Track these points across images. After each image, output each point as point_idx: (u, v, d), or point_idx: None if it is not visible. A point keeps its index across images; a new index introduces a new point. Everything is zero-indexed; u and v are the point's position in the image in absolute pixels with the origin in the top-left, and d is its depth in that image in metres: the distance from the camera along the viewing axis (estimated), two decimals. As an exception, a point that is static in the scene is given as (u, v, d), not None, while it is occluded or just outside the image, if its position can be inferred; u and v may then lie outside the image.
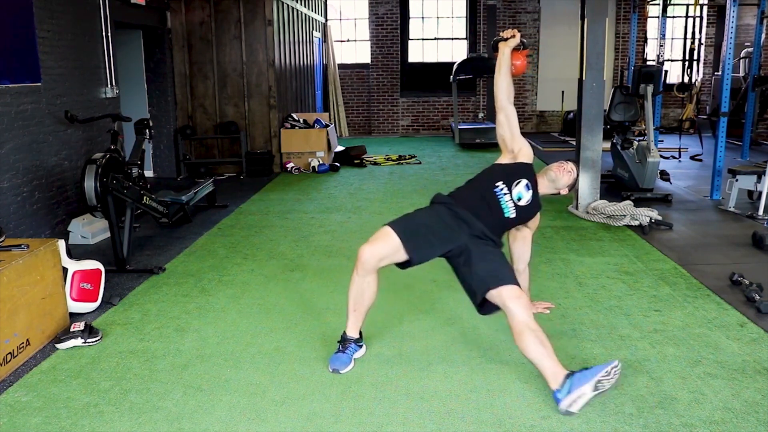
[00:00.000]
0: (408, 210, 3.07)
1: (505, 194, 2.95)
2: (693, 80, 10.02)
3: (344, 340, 2.90)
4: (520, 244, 3.20)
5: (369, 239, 2.81)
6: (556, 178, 3.05)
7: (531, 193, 3.00)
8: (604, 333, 3.18)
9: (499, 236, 2.98)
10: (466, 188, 3.08)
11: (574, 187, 3.15)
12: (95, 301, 3.54)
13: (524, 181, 2.99)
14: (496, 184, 2.97)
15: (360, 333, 2.95)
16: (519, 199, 2.97)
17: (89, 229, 4.97)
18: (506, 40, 3.14)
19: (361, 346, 2.96)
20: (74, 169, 5.19)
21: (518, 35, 3.14)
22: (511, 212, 2.95)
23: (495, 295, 2.69)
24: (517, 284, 2.74)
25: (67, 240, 4.70)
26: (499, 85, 3.09)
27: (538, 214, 3.16)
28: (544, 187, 3.08)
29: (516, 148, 3.06)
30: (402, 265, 2.86)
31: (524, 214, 3.00)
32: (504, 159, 3.11)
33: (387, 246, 2.77)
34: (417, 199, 6.16)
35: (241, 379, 2.76)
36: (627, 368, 2.79)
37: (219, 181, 7.34)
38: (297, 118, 8.82)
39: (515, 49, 3.17)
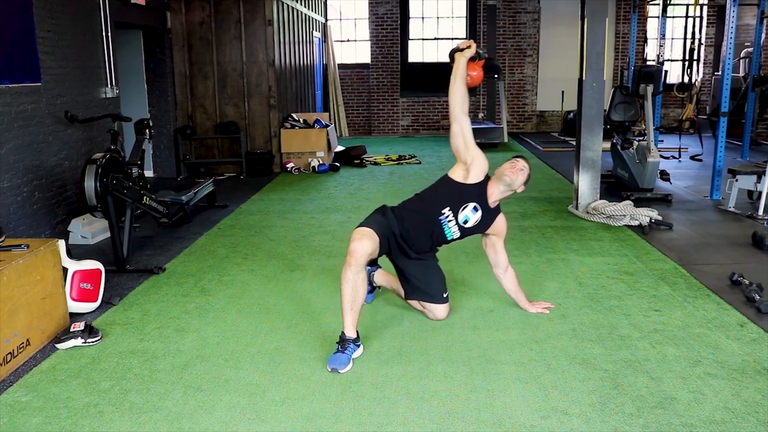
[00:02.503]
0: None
1: (449, 221, 3.21)
2: (693, 80, 10.02)
3: (343, 341, 2.90)
4: (491, 251, 3.42)
5: (354, 238, 2.98)
6: (512, 181, 3.21)
7: (479, 214, 3.22)
8: (604, 333, 3.18)
9: (438, 247, 3.36)
10: (413, 208, 3.28)
11: (528, 181, 3.27)
12: (95, 301, 3.54)
13: (472, 205, 3.22)
14: (442, 212, 3.21)
15: (357, 332, 2.96)
16: (465, 222, 3.23)
17: (89, 229, 4.97)
18: (463, 50, 3.19)
19: (359, 346, 2.96)
20: (74, 169, 5.19)
21: (474, 46, 3.22)
22: (454, 234, 3.25)
23: (425, 305, 3.34)
24: (445, 302, 3.33)
25: (67, 240, 4.70)
26: (453, 95, 3.20)
27: (503, 223, 3.36)
28: (500, 193, 3.27)
29: (469, 158, 3.21)
30: (370, 263, 3.14)
31: (470, 233, 3.28)
32: (457, 171, 3.26)
33: (373, 242, 2.99)
34: (417, 199, 6.13)
35: (241, 379, 2.76)
36: (627, 368, 2.80)
37: (219, 181, 7.34)
38: (297, 118, 8.82)
39: (471, 60, 3.20)
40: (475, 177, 3.19)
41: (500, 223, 3.32)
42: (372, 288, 3.61)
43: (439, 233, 3.22)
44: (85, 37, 5.50)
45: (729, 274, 3.90)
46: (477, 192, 3.19)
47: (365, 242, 2.95)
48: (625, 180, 6.54)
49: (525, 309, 3.46)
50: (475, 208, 3.19)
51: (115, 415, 2.48)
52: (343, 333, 2.91)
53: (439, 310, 3.33)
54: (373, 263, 3.23)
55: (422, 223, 3.21)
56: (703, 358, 2.88)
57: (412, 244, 3.23)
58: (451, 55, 3.24)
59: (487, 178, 3.24)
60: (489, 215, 3.24)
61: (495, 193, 3.21)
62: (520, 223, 5.45)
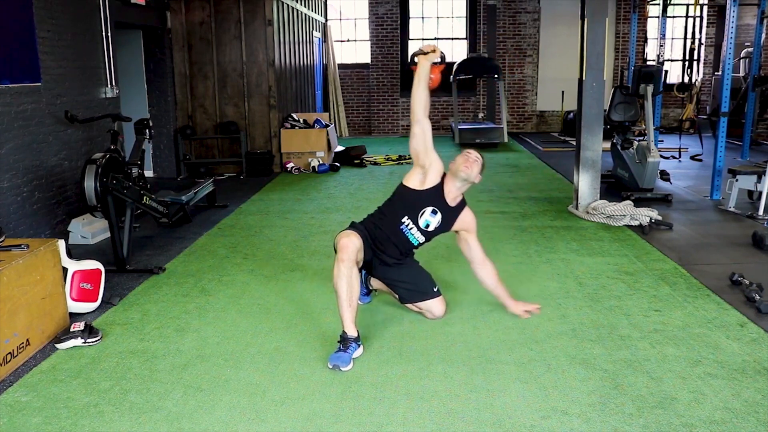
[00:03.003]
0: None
1: (411, 228, 3.26)
2: (693, 80, 10.02)
3: (344, 340, 2.90)
4: (464, 247, 3.42)
5: (341, 237, 3.03)
6: (468, 175, 3.21)
7: (439, 216, 3.24)
8: (604, 333, 3.18)
9: (412, 252, 3.42)
10: (375, 222, 3.32)
11: (483, 170, 3.28)
12: (95, 301, 3.54)
13: (430, 209, 3.24)
14: (402, 221, 3.25)
15: (357, 331, 2.96)
16: (427, 226, 3.26)
17: (89, 229, 4.97)
18: (426, 54, 3.20)
19: (359, 345, 2.96)
20: (74, 169, 5.19)
21: (438, 50, 3.22)
22: (419, 240, 3.29)
23: (421, 305, 3.34)
24: (438, 295, 3.33)
25: (67, 240, 4.70)
26: (416, 98, 3.23)
27: (470, 218, 3.36)
28: (457, 189, 3.28)
29: (428, 162, 3.23)
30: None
31: (435, 235, 3.31)
32: (413, 177, 3.27)
33: (359, 239, 3.03)
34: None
35: (241, 379, 2.76)
36: (627, 368, 2.80)
37: (219, 181, 7.34)
38: (297, 118, 8.82)
39: (434, 64, 3.22)
40: (431, 181, 3.22)
41: (467, 218, 3.33)
42: (368, 291, 3.63)
43: (404, 242, 3.27)
44: (85, 37, 5.50)
45: (729, 274, 3.90)
46: (433, 195, 3.22)
47: (353, 238, 2.99)
48: (625, 180, 6.54)
49: (507, 307, 3.37)
50: (434, 211, 3.22)
51: (115, 415, 2.48)
52: (344, 332, 2.91)
53: (435, 306, 3.33)
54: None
55: (386, 235, 3.26)
56: (703, 358, 2.88)
57: (385, 252, 3.29)
58: (413, 58, 3.27)
59: (443, 177, 3.25)
60: (451, 214, 3.26)
61: (453, 191, 3.23)
62: (520, 223, 5.45)
